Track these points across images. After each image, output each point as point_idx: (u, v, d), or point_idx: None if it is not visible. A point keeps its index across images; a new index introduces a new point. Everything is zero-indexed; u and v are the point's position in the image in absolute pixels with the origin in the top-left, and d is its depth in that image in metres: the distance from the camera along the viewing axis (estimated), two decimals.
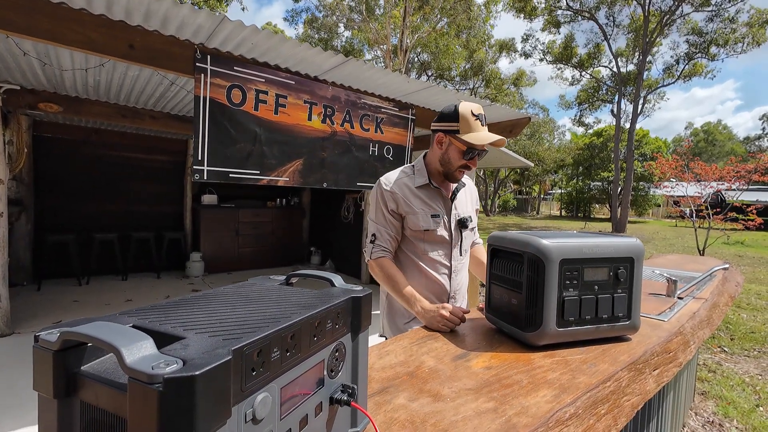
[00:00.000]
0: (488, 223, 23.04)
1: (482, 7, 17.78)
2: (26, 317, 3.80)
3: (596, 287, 1.08)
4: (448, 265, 1.50)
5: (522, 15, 18.69)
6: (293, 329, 0.48)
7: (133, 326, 0.44)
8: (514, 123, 3.89)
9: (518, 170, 34.53)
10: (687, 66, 18.87)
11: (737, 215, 6.24)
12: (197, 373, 0.33)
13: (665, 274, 1.90)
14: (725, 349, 3.86)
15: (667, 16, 16.97)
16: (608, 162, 26.91)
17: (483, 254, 1.68)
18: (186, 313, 0.50)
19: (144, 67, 2.14)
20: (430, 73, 20.52)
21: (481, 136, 1.35)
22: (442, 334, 1.16)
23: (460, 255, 1.54)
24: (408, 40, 13.74)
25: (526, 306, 1.05)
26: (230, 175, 2.22)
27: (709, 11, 17.10)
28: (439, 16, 16.35)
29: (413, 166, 1.53)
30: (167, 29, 2.07)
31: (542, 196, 41.45)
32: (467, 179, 1.63)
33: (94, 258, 5.15)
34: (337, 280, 0.70)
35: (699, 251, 5.59)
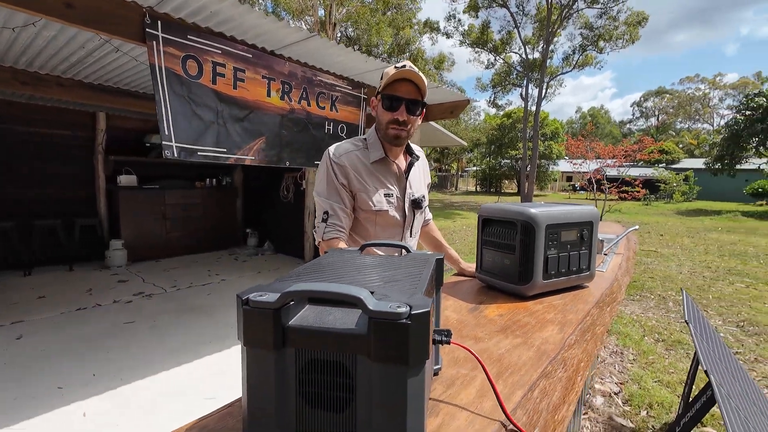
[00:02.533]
0: None
1: None
2: None
3: (569, 246, 1.34)
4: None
5: None
6: (428, 283, 0.59)
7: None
8: (455, 104, 4.16)
9: (438, 148, 36.25)
10: (580, 57, 21.37)
11: (625, 188, 7.54)
12: (428, 309, 0.44)
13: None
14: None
15: (566, 9, 18.91)
16: (516, 141, 29.59)
17: (437, 232, 1.67)
18: (336, 276, 0.58)
19: (84, 29, 1.87)
20: (356, 48, 20.26)
21: (390, 74, 1.23)
22: (446, 293, 1.33)
23: (410, 237, 1.47)
24: (336, 14, 13.35)
25: (519, 264, 1.27)
26: (199, 153, 2.08)
27: (598, 8, 19.45)
28: None
29: (365, 138, 1.40)
30: None
31: (460, 173, 44.20)
32: (419, 151, 1.54)
33: None
34: (411, 247, 0.81)
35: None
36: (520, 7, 20.23)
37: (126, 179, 5.46)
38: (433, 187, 38.45)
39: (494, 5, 20.15)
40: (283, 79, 2.71)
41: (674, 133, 53.17)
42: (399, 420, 0.44)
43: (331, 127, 3.15)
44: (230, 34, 2.39)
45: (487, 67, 23.01)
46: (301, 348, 0.47)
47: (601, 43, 20.26)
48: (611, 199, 7.00)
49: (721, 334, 3.59)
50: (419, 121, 1.40)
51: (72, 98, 3.62)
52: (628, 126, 61.64)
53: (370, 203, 1.34)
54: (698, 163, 28.27)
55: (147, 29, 1.98)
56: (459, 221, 12.99)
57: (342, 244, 1.28)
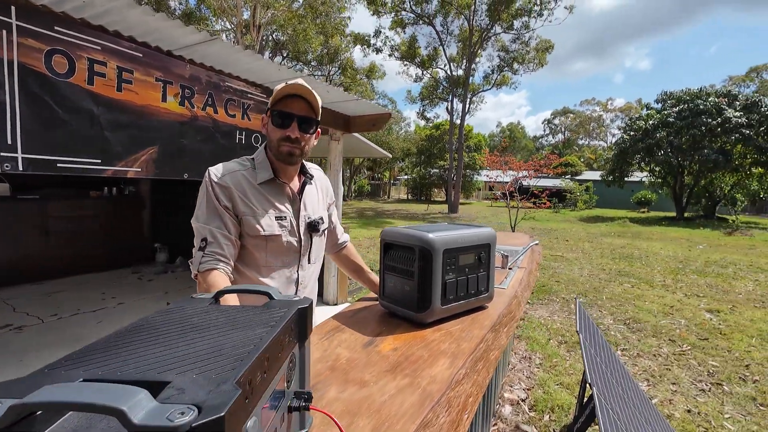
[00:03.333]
0: (346, 208, 23.96)
1: None
2: None
3: (467, 269, 1.34)
4: (295, 278, 1.31)
5: (372, 7, 19.63)
6: (268, 351, 0.49)
7: (86, 380, 0.39)
8: (377, 117, 4.17)
9: (370, 158, 36.72)
10: (498, 76, 23.23)
11: (534, 199, 8.29)
12: (223, 414, 0.34)
13: (500, 251, 2.44)
14: (528, 300, 5.12)
15: (485, 32, 20.46)
16: (444, 152, 31.11)
17: (356, 255, 1.59)
18: (136, 354, 0.45)
19: None
20: (285, 53, 19.68)
21: (281, 90, 1.18)
22: (345, 325, 1.25)
23: (309, 263, 1.36)
24: (261, 17, 12.81)
25: (417, 290, 1.23)
26: (58, 165, 1.74)
27: (513, 33, 21.36)
28: None
29: (253, 158, 1.28)
30: None
31: (392, 181, 45.16)
32: (316, 169, 1.44)
33: None
34: (274, 291, 0.70)
35: (511, 227, 7.20)
36: (445, 26, 21.42)
37: None
38: (367, 195, 38.76)
39: (420, 22, 21.07)
40: (183, 82, 2.45)
41: (577, 148, 60.19)
42: None
43: (243, 137, 2.94)
44: (114, 29, 2.09)
45: (415, 81, 23.93)
46: None
47: (516, 65, 22.23)
48: (528, 208, 7.68)
49: (612, 332, 4.02)
50: (314, 141, 1.33)
51: None
52: (540, 140, 68.44)
53: (259, 227, 1.21)
54: (596, 175, 32.22)
55: None
56: None
57: (222, 278, 1.13)
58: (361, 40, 22.35)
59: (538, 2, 19.28)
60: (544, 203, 8.17)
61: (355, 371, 0.93)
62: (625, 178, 21.99)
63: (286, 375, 0.59)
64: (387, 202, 32.38)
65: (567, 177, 32.71)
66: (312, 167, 1.44)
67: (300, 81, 1.22)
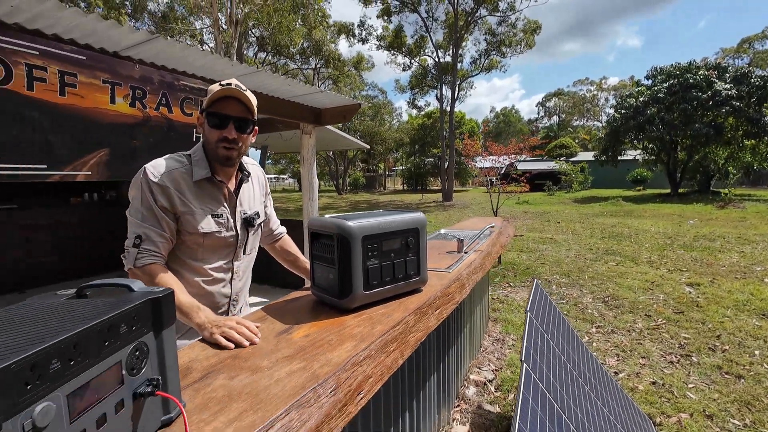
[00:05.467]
0: (341, 202, 23.95)
1: None
2: None
3: (392, 254, 1.35)
4: (230, 268, 1.37)
5: None
6: (73, 339, 0.51)
7: None
8: (346, 109, 4.16)
9: (364, 149, 36.59)
10: (486, 60, 23.03)
11: (516, 183, 8.31)
12: None
13: (457, 236, 2.45)
14: (511, 284, 5.16)
15: (470, 16, 20.23)
16: (438, 140, 31.03)
17: (292, 246, 1.65)
18: None
19: None
20: (269, 49, 19.49)
21: (215, 92, 1.20)
22: (269, 314, 1.27)
23: (245, 254, 1.42)
24: (238, 11, 12.65)
25: (339, 277, 1.25)
26: (1, 172, 1.76)
27: (498, 16, 21.12)
28: None
29: (189, 155, 1.29)
30: None
31: (387, 172, 45.07)
32: (253, 165, 1.47)
33: None
34: (137, 284, 0.72)
35: (493, 212, 7.22)
36: (430, 12, 21.17)
37: None
38: (362, 187, 38.71)
39: (405, 10, 20.83)
40: (133, 83, 2.44)
41: (572, 130, 59.96)
42: None
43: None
44: (52, 32, 2.07)
45: (404, 70, 23.73)
46: None
47: (503, 48, 22.02)
48: (508, 192, 7.73)
49: (590, 311, 4.06)
50: (252, 139, 1.36)
51: None
52: (534, 123, 68.10)
53: (197, 226, 1.25)
54: (591, 155, 32.20)
55: None
56: None
57: (162, 269, 1.20)
58: (345, 30, 22.11)
59: None
60: (525, 186, 8.19)
61: (256, 358, 0.95)
62: (619, 157, 21.96)
63: (128, 363, 0.61)
64: (383, 194, 32.35)
65: (562, 159, 32.66)
66: (248, 162, 1.46)
67: (234, 82, 1.23)
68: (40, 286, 5.02)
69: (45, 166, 1.96)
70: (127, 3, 17.66)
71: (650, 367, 2.85)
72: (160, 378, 0.65)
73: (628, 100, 19.86)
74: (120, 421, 0.59)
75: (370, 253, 1.28)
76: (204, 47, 19.46)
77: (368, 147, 6.79)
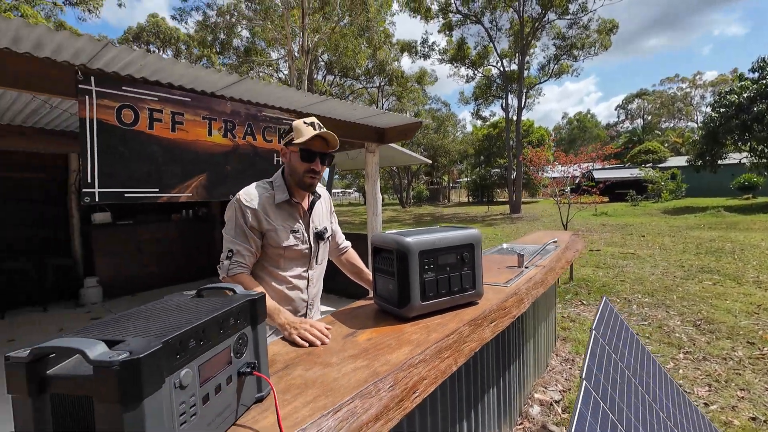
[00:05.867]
0: (405, 215, 24.22)
1: (379, 9, 18.46)
2: None
3: (448, 268, 1.45)
4: (307, 276, 1.58)
5: (417, 15, 19.86)
6: (203, 326, 0.70)
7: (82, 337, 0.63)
8: (408, 127, 4.34)
9: (422, 164, 36.66)
10: (556, 66, 21.95)
11: (587, 194, 7.75)
12: (141, 356, 0.55)
13: (518, 250, 2.45)
14: (583, 301, 4.85)
15: (537, 22, 19.54)
16: (504, 150, 30.03)
17: (356, 259, 1.82)
18: (125, 325, 0.69)
19: (12, 91, 2.01)
20: (337, 72, 20.77)
21: (309, 134, 1.44)
22: (337, 319, 1.43)
23: (317, 264, 1.63)
24: (309, 41, 13.76)
25: (397, 288, 1.38)
26: (125, 195, 2.20)
27: (568, 19, 20.10)
28: (339, 16, 16.60)
29: (271, 182, 1.55)
30: (42, 51, 1.99)
31: (451, 185, 44.54)
32: (322, 190, 1.69)
33: None
34: (238, 288, 0.92)
35: (563, 225, 6.82)
36: (494, 22, 20.88)
37: (100, 216, 5.56)
38: (426, 200, 38.70)
39: (468, 22, 20.79)
40: (225, 117, 2.86)
41: (659, 133, 54.02)
42: None
43: (280, 158, 3.29)
44: (167, 82, 2.54)
45: (467, 81, 23.56)
46: (55, 393, 0.58)
47: (575, 52, 20.84)
48: (579, 203, 7.19)
49: (677, 334, 3.67)
50: (326, 168, 1.61)
51: (34, 145, 3.76)
52: (614, 128, 62.63)
53: (279, 241, 1.49)
54: (684, 161, 28.69)
55: (79, 85, 2.13)
56: None
57: (248, 278, 1.45)
58: (408, 47, 22.67)
59: None
60: (598, 197, 7.59)
61: (327, 356, 1.11)
62: (719, 162, 19.29)
63: (234, 347, 0.79)
64: (447, 207, 32.00)
65: (648, 165, 29.54)
66: (319, 188, 1.72)
67: (316, 122, 1.50)
68: (148, 290, 5.87)
69: (157, 189, 2.40)
70: (216, 42, 20.11)
71: (750, 400, 2.52)
72: (256, 362, 0.83)
73: (728, 96, 17.50)
74: (229, 391, 0.77)
75: (426, 267, 1.40)
76: (279, 74, 21.34)
77: (430, 162, 6.91)
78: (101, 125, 2.16)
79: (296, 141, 1.46)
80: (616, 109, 61.88)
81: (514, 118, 20.86)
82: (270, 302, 1.34)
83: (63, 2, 15.16)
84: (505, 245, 3.13)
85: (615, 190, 24.78)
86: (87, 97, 2.15)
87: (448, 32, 21.13)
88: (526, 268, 2.21)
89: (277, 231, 1.48)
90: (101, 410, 0.54)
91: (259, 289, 1.40)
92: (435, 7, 20.21)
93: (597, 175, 22.77)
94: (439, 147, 31.83)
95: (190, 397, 0.65)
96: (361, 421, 0.84)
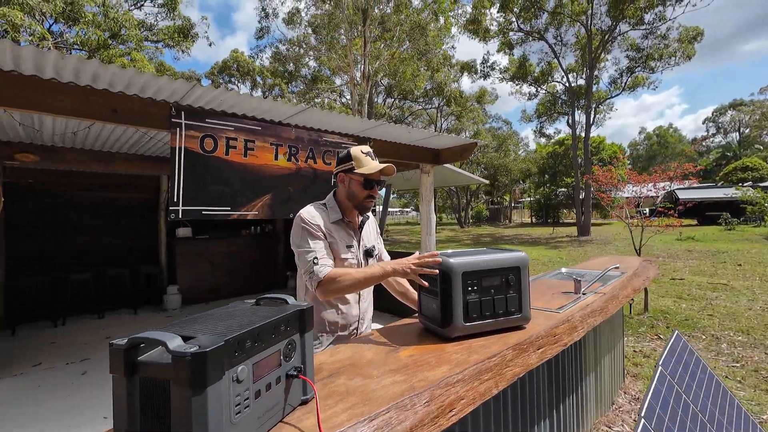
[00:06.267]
0: (463, 235, 23.71)
1: (438, 33, 18.83)
2: (1, 364, 3.85)
3: (492, 290, 1.45)
4: (358, 291, 1.67)
5: (476, 37, 19.90)
6: (258, 329, 0.81)
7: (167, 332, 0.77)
8: (464, 147, 4.36)
9: (482, 185, 35.79)
10: (630, 79, 20.50)
11: (664, 216, 7.00)
12: (207, 349, 0.66)
13: (576, 276, 2.32)
14: (660, 336, 4.37)
15: (608, 34, 18.53)
16: (571, 169, 28.37)
17: (403, 280, 1.87)
18: (196, 325, 0.82)
19: (125, 126, 2.43)
20: (395, 95, 21.45)
21: (372, 166, 1.60)
22: (383, 335, 1.49)
23: None
24: (370, 68, 14.48)
25: (441, 308, 1.41)
26: (203, 212, 2.51)
27: (643, 29, 18.80)
28: (398, 43, 17.25)
29: (324, 204, 1.70)
30: (146, 93, 2.39)
31: (513, 204, 42.86)
32: (369, 213, 1.83)
33: (69, 298, 5.20)
34: (290, 299, 1.03)
35: (636, 250, 6.22)
36: (558, 38, 20.20)
37: (183, 231, 6.26)
38: (485, 220, 37.61)
39: (529, 40, 20.34)
40: (290, 143, 3.14)
41: (761, 148, 47.33)
42: (184, 429, 0.65)
43: (337, 182, 3.50)
44: (242, 113, 2.88)
45: (529, 99, 22.88)
46: (143, 376, 0.71)
47: (652, 63, 19.34)
48: (654, 226, 6.47)
49: None
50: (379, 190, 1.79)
51: (134, 170, 4.40)
52: (700, 142, 56.14)
53: (339, 253, 1.62)
54: None
55: (173, 119, 2.51)
56: None
57: (339, 270, 1.53)
58: (467, 68, 22.69)
59: None
60: (675, 220, 6.79)
61: (369, 368, 1.17)
62: None
63: (284, 351, 0.89)
64: (508, 227, 30.79)
65: (746, 184, 25.94)
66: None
67: (368, 149, 1.68)
68: (219, 299, 6.42)
69: (229, 208, 2.68)
70: (286, 73, 21.94)
71: None
72: (302, 366, 0.93)
73: None
74: (278, 390, 0.87)
75: (470, 288, 1.41)
76: (342, 98, 22.55)
77: (486, 182, 6.79)
78: (188, 152, 2.51)
79: (359, 170, 1.60)
80: (704, 122, 55.69)
81: (582, 134, 19.72)
82: (368, 270, 1.51)
83: (162, 46, 17.71)
84: (564, 270, 2.98)
85: (705, 212, 22.08)
86: (178, 129, 2.51)
87: (508, 50, 20.84)
88: (584, 294, 2.10)
89: (337, 244, 1.62)
90: (176, 392, 0.66)
91: (354, 271, 1.51)
92: (494, 28, 20.14)
93: (682, 195, 20.52)
94: (500, 166, 31.00)
95: (244, 391, 0.76)
96: (395, 431, 0.89)
